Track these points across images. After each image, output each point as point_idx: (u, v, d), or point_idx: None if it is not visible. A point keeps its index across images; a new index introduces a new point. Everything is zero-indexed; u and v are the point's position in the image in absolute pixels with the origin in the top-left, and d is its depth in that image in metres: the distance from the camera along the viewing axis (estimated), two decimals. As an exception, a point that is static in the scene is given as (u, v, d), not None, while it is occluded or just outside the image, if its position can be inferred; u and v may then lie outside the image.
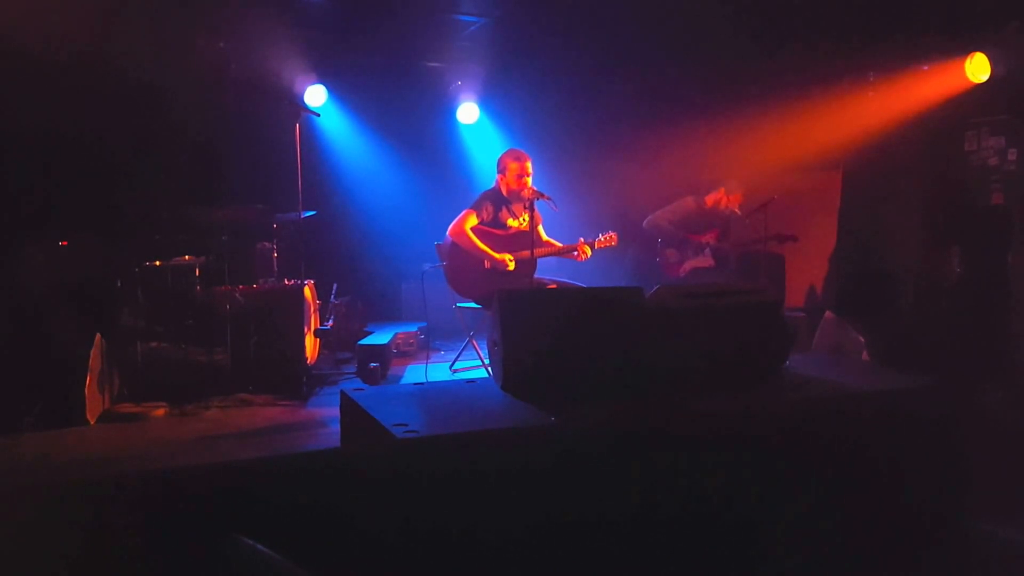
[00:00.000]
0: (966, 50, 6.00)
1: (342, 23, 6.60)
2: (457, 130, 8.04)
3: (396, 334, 6.42)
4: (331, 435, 3.92)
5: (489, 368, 4.49)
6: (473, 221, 5.37)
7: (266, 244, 5.50)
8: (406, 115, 7.53)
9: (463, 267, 5.40)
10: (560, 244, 5.56)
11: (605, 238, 5.48)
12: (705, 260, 6.54)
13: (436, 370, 5.70)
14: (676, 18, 6.27)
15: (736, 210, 6.67)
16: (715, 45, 6.62)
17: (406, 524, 2.42)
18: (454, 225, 5.37)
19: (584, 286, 5.20)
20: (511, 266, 5.32)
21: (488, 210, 5.41)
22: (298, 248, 5.34)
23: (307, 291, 5.35)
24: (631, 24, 6.55)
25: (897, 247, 6.44)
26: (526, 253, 5.14)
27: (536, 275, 5.21)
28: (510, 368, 3.05)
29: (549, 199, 5.04)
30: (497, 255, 5.33)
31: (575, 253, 5.47)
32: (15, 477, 3.35)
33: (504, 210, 5.46)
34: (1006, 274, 5.72)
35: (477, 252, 5.33)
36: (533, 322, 3.09)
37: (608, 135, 7.81)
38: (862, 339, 5.44)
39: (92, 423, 4.15)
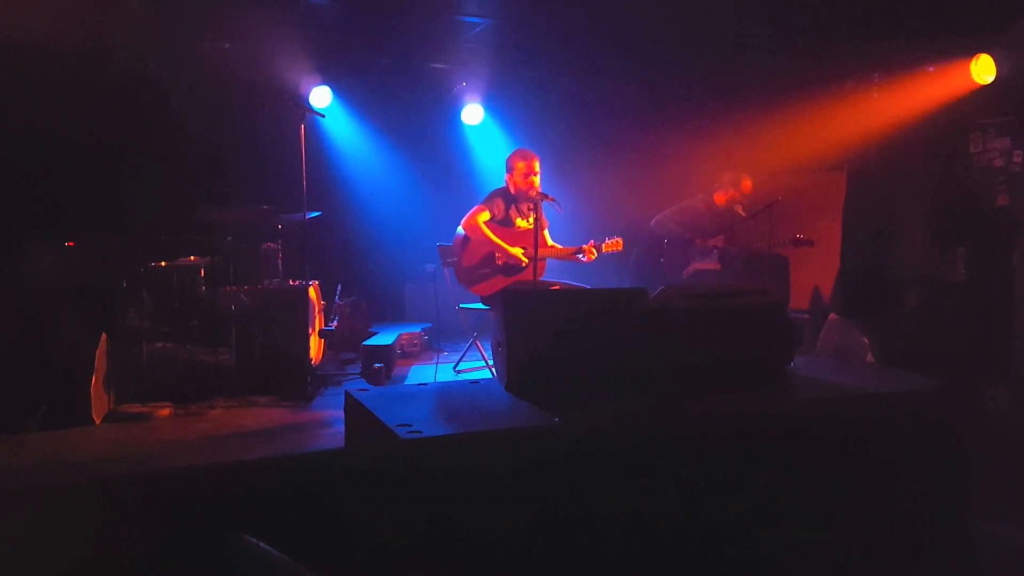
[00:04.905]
0: (971, 51, 5.97)
1: (347, 24, 6.61)
2: (462, 131, 8.05)
3: (400, 335, 6.43)
4: (335, 435, 3.93)
5: (493, 369, 4.50)
6: (486, 216, 5.38)
7: (271, 245, 5.51)
8: (411, 116, 7.53)
9: (474, 262, 5.42)
10: (563, 248, 5.57)
11: (611, 243, 5.48)
12: (711, 263, 6.50)
13: (440, 371, 5.71)
14: (681, 19, 6.27)
15: (741, 203, 6.55)
16: (720, 47, 6.61)
17: (409, 524, 2.42)
18: (467, 219, 5.38)
19: (588, 287, 5.21)
20: (525, 260, 5.33)
21: (499, 206, 5.43)
22: (303, 249, 5.34)
23: (312, 292, 5.36)
24: (636, 25, 6.55)
25: (902, 249, 6.42)
26: (532, 253, 5.15)
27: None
28: (514, 368, 3.05)
29: (554, 200, 5.05)
30: (511, 248, 5.34)
31: (580, 256, 5.48)
32: (21, 477, 3.37)
33: (513, 208, 5.48)
34: (1011, 276, 5.71)
35: (491, 245, 5.34)
36: (538, 322, 3.09)
37: (612, 136, 7.80)
38: (866, 341, 5.43)
39: (98, 423, 4.17)
